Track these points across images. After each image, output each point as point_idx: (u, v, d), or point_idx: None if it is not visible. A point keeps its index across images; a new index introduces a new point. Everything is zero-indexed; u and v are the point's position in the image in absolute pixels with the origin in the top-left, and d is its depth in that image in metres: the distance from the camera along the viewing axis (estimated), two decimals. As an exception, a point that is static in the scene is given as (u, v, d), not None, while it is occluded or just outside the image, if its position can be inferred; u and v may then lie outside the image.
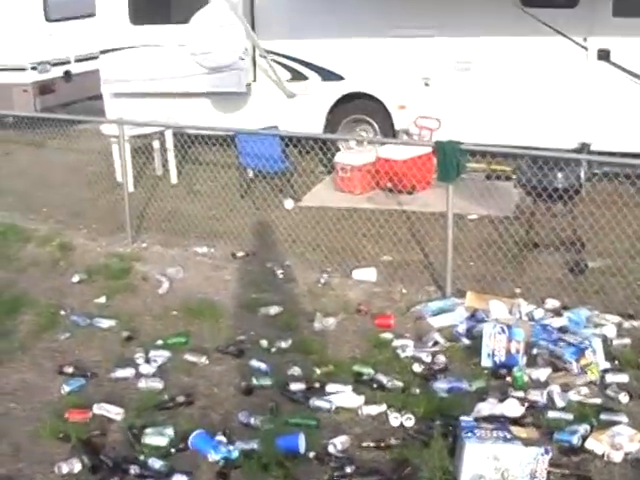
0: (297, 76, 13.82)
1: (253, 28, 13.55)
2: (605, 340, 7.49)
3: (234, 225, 10.91)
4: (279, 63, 13.79)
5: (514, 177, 10.81)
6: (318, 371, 7.20)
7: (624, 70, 12.07)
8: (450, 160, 8.41)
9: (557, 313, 8.15)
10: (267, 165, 11.84)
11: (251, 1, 13.81)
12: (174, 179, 13.55)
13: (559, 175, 9.12)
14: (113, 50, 14.77)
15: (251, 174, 12.43)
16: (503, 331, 7.21)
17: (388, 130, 13.41)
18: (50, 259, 10.63)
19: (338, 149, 13.34)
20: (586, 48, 12.22)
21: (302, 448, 5.97)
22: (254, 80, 14.09)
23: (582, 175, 9.31)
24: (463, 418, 6.12)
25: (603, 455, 5.80)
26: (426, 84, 13.11)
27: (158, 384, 7.07)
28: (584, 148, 11.93)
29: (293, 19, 13.63)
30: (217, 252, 10.44)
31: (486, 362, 7.24)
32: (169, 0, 14.48)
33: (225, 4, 12.86)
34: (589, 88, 12.30)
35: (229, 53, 12.63)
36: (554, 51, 12.35)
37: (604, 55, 12.16)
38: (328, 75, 13.64)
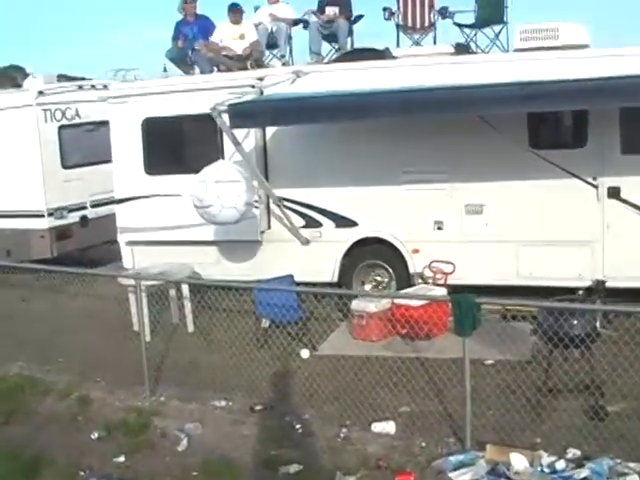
0: (311, 223, 13.92)
1: (266, 177, 13.76)
2: (629, 490, 7.43)
3: (252, 376, 10.89)
4: (293, 210, 13.92)
5: (531, 327, 10.83)
6: (339, 539, 7.15)
7: (635, 207, 12.18)
8: (466, 314, 8.45)
9: (579, 464, 8.04)
10: (283, 315, 11.94)
11: (264, 151, 14.03)
12: (191, 327, 13.58)
13: (575, 323, 9.13)
14: (129, 199, 14.98)
15: (267, 323, 12.47)
16: (525, 491, 7.16)
17: (403, 274, 13.47)
18: (68, 414, 10.64)
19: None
20: (596, 186, 12.35)
21: None
22: (268, 228, 14.19)
23: (598, 324, 9.34)
24: None
25: None
26: (439, 228, 13.21)
27: None
28: (599, 286, 12.01)
29: (305, 167, 13.81)
30: (235, 405, 10.40)
31: (509, 523, 7.19)
32: (183, 151, 14.74)
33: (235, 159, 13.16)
34: (601, 226, 12.40)
35: (228, 211, 12.70)
36: (565, 191, 12.48)
37: (615, 193, 12.30)
38: (342, 221, 13.75)
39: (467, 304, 8.49)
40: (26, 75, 29.40)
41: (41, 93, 17.99)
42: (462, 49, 14.58)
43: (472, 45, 15.30)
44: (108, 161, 15.75)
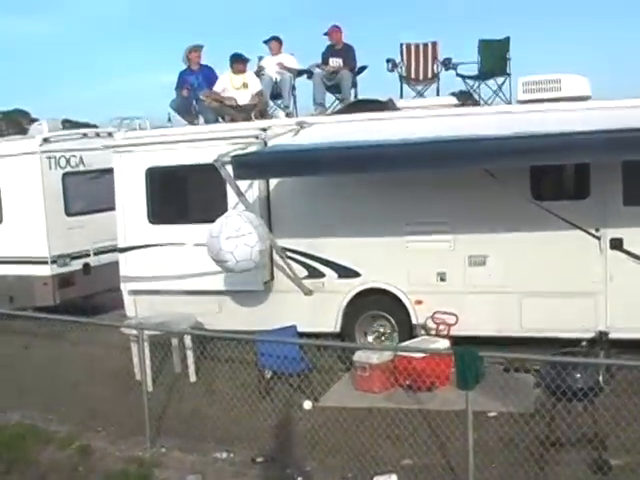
0: (314, 273, 13.91)
1: (270, 227, 13.74)
2: None
3: (253, 428, 10.86)
4: (296, 261, 13.91)
5: (534, 380, 10.80)
6: None
7: (638, 258, 12.23)
8: (469, 368, 8.43)
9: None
10: (285, 366, 11.91)
11: (267, 201, 14.05)
12: (193, 377, 13.49)
13: (578, 377, 9.12)
14: (132, 248, 14.97)
15: (270, 374, 12.44)
16: None
17: (405, 325, 13.42)
18: (69, 464, 10.61)
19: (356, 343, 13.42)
20: (599, 238, 12.41)
21: None
22: (272, 278, 14.17)
23: (601, 378, 9.30)
24: None
25: None
26: (442, 279, 13.20)
27: None
28: (602, 337, 11.99)
29: (308, 217, 13.83)
30: (237, 457, 10.34)
31: None
32: (187, 201, 14.82)
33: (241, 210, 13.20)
34: (604, 277, 12.44)
35: (244, 264, 12.72)
36: (568, 242, 12.52)
37: (617, 244, 12.35)
38: (344, 272, 13.73)
39: (470, 358, 8.48)
40: (31, 120, 29.62)
41: (46, 141, 18.07)
42: (465, 97, 14.68)
43: (475, 96, 15.41)
44: (111, 209, 15.75)
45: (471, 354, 8.52)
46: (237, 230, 12.45)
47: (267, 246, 13.17)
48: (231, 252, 12.44)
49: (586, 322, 12.35)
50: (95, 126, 21.40)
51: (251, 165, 12.61)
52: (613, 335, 12.13)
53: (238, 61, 15.64)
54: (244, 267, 12.66)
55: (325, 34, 16.10)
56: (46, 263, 17.92)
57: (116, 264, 15.59)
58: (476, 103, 15.05)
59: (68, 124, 23.17)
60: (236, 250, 12.42)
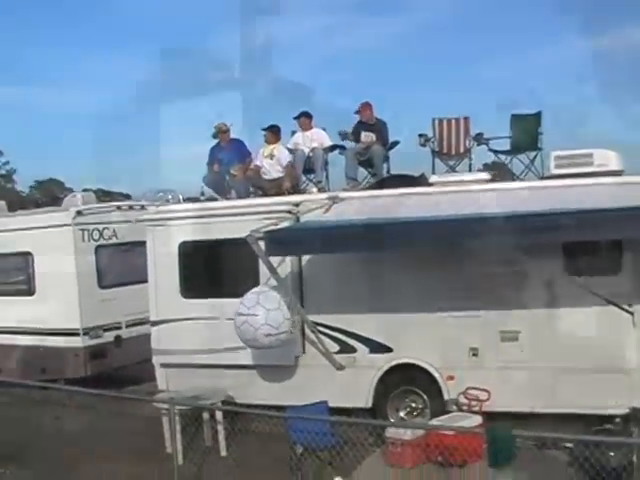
0: (345, 348, 13.91)
1: (302, 302, 13.81)
2: None
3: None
4: (327, 335, 13.91)
5: (566, 457, 10.68)
6: None
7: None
8: (501, 448, 8.35)
9: None
10: (316, 441, 11.80)
11: (300, 276, 14.15)
12: (223, 451, 13.42)
13: (612, 456, 9.04)
14: (164, 322, 15.08)
15: (300, 449, 12.35)
16: None
17: (437, 401, 13.37)
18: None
19: (388, 418, 13.38)
20: (632, 313, 12.35)
21: None
22: (303, 352, 14.18)
23: (635, 458, 9.21)
24: None
25: None
26: (474, 354, 13.17)
27: None
28: (636, 414, 11.87)
29: (341, 293, 13.84)
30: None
31: None
32: (219, 275, 14.92)
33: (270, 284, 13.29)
34: (637, 353, 12.37)
35: (250, 343, 12.95)
36: (600, 317, 12.50)
37: (652, 319, 12.24)
38: (376, 347, 13.72)
39: (503, 437, 8.40)
40: (64, 189, 30.03)
41: (79, 213, 18.27)
42: (498, 168, 14.73)
43: (507, 169, 15.45)
44: (143, 281, 15.87)
45: (504, 434, 8.44)
46: (248, 308, 12.59)
47: (277, 332, 12.99)
48: (239, 328, 12.72)
49: (619, 398, 12.21)
50: (129, 196, 21.62)
51: (283, 242, 12.70)
52: (645, 412, 12.01)
53: (268, 132, 15.93)
54: (253, 346, 13.20)
55: (356, 112, 16.20)
56: (78, 335, 18.00)
57: (148, 336, 15.66)
58: (509, 175, 15.10)
59: (102, 193, 23.38)
60: (242, 327, 12.69)
